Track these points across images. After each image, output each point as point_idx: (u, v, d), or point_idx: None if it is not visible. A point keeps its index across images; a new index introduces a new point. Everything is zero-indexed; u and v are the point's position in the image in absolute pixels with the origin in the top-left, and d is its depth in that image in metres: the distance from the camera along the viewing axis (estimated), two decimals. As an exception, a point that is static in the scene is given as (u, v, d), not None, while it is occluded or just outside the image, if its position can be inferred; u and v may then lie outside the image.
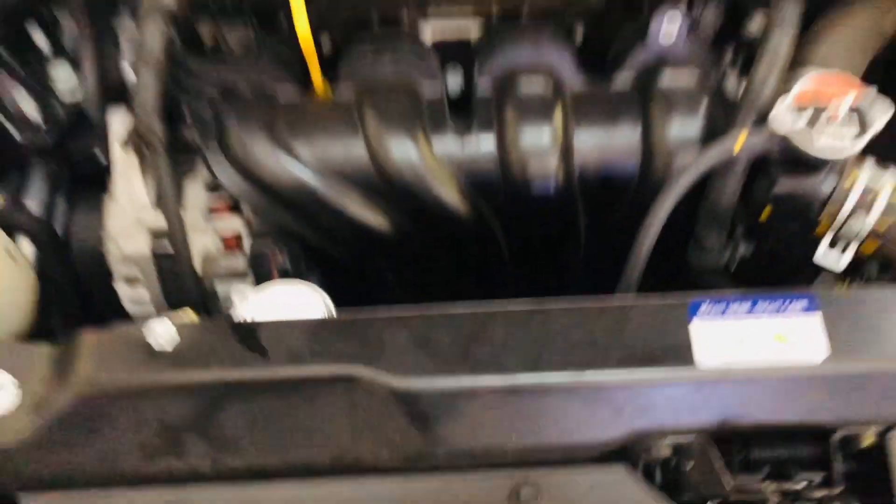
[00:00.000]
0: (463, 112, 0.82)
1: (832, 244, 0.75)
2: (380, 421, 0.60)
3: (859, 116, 0.68)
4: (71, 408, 0.61)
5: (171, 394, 0.61)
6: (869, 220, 0.71)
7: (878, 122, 0.68)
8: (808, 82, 0.70)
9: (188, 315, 0.68)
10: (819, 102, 0.69)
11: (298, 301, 0.69)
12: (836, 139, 0.68)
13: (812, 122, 0.68)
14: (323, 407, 0.61)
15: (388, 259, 0.86)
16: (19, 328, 0.84)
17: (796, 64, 0.76)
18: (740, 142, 0.69)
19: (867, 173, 0.72)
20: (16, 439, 0.61)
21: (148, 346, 0.62)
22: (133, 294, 0.86)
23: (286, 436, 0.61)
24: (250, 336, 0.61)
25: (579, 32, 0.89)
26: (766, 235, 0.77)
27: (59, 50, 0.95)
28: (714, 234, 0.77)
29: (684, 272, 0.83)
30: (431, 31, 0.90)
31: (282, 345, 0.62)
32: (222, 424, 0.61)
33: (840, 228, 0.73)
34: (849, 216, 0.72)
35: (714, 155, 0.70)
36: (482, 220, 0.82)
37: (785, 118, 0.68)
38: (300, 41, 0.77)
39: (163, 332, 0.62)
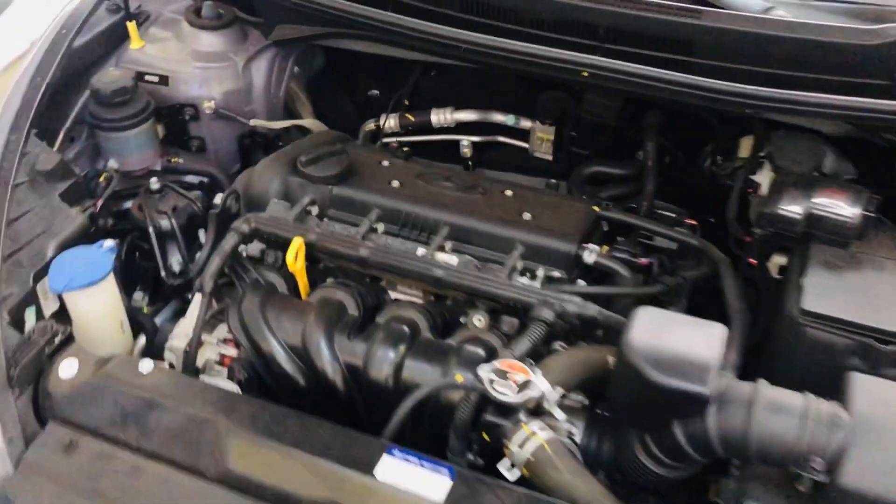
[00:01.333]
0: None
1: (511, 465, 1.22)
2: None
3: (522, 385, 1.20)
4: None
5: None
6: (522, 455, 1.19)
7: (532, 392, 1.19)
8: (504, 362, 1.23)
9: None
10: (509, 373, 1.22)
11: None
12: (507, 392, 1.19)
13: (498, 379, 1.21)
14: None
15: (295, 396, 1.44)
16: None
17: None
18: (459, 378, 1.23)
19: (534, 426, 1.21)
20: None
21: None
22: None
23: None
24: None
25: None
26: (486, 449, 1.26)
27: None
28: (456, 441, 1.27)
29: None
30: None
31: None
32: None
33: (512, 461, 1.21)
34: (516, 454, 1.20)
35: (446, 381, 1.24)
36: (349, 390, 1.39)
37: (486, 374, 1.22)
38: (294, 273, 1.46)
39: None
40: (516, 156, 2.09)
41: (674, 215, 1.73)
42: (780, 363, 1.31)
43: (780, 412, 1.13)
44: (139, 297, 1.74)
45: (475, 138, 2.09)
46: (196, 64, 1.89)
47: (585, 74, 1.49)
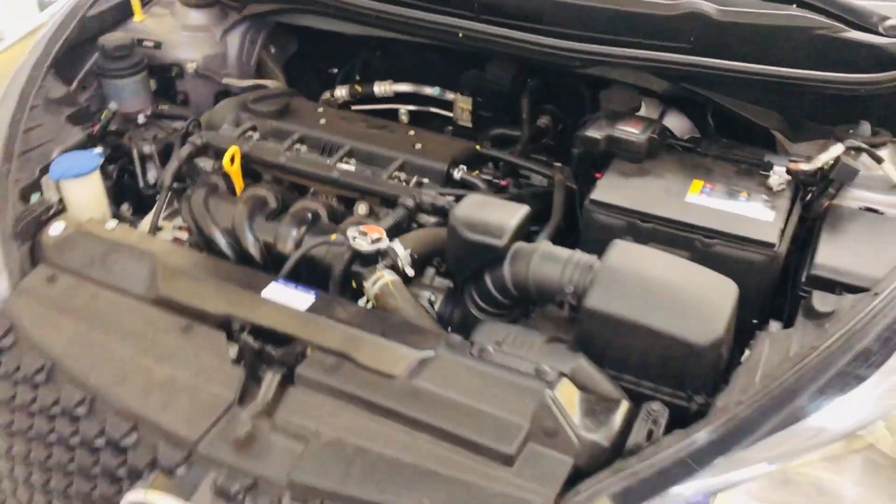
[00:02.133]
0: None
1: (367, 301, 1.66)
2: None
3: (375, 241, 1.64)
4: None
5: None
6: (372, 291, 1.62)
7: (381, 244, 1.63)
8: (365, 226, 1.68)
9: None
10: (368, 233, 1.67)
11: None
12: (363, 244, 1.64)
13: (359, 237, 1.66)
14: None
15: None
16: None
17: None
18: (333, 237, 1.68)
19: (385, 272, 1.65)
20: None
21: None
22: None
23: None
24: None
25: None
26: (357, 297, 1.70)
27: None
28: (335, 288, 1.71)
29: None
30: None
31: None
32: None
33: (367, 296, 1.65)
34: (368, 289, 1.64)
35: (323, 239, 1.69)
36: (265, 261, 1.84)
37: (350, 233, 1.67)
38: (231, 175, 1.93)
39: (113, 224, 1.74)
40: (444, 124, 2.54)
41: (545, 159, 2.17)
42: (581, 242, 1.74)
43: (551, 260, 1.56)
44: (125, 208, 2.22)
45: (411, 107, 2.55)
46: (183, 33, 2.41)
47: (461, 36, 1.96)
